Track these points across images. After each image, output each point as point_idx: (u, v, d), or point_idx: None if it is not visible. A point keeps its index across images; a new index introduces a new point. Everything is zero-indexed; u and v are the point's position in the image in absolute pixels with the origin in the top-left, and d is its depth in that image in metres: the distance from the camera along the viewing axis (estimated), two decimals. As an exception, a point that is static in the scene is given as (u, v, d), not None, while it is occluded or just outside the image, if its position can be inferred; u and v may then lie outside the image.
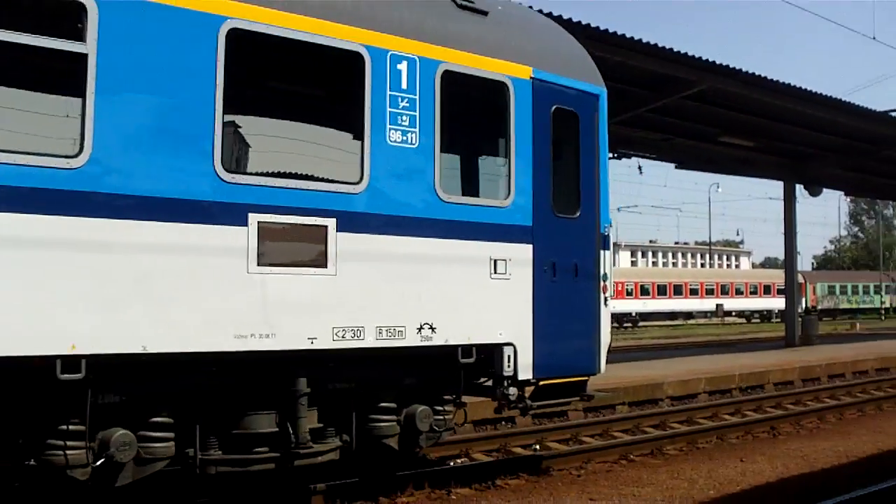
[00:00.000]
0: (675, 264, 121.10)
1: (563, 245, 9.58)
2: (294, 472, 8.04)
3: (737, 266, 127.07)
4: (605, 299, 10.06)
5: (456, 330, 8.61)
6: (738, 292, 77.15)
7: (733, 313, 78.04)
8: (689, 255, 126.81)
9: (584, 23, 16.91)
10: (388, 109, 8.17)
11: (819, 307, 74.50)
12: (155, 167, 6.82)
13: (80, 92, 6.54)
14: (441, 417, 9.09)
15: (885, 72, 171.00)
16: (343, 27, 7.91)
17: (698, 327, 66.90)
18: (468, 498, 9.75)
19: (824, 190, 35.43)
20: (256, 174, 7.56)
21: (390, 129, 8.18)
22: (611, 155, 32.64)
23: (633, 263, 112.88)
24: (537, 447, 12.79)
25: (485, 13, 9.24)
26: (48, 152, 6.43)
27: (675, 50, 19.13)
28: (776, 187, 34.31)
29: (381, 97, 8.13)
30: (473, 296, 8.76)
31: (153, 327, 6.78)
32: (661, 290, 71.55)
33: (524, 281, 9.19)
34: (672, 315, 72.89)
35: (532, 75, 9.33)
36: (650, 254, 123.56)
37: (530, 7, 11.11)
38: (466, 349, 8.75)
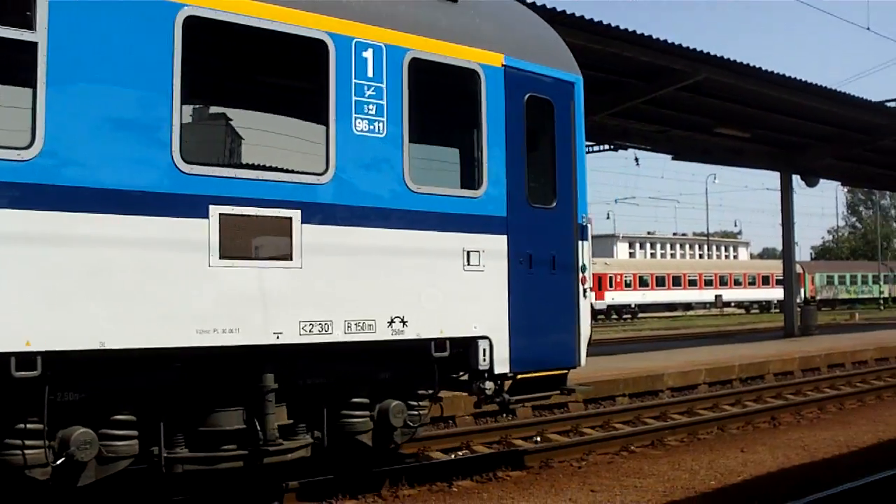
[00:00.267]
0: (673, 255, 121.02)
1: (540, 236, 9.42)
2: (265, 470, 7.89)
3: (735, 257, 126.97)
4: (585, 291, 9.91)
5: (428, 323, 8.46)
6: (737, 283, 77.16)
7: (732, 304, 78.11)
8: (687, 247, 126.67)
9: (577, 14, 16.95)
10: (354, 98, 8.00)
11: (818, 297, 74.44)
12: (110, 158, 6.66)
13: (30, 82, 6.38)
14: (416, 413, 8.95)
15: (880, 62, 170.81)
16: (306, 14, 7.74)
17: (697, 318, 66.86)
18: (470, 490, 9.70)
19: (821, 180, 35.46)
20: (217, 165, 7.39)
21: (356, 119, 8.01)
22: (607, 147, 32.73)
23: (632, 255, 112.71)
24: (538, 439, 12.80)
25: (454, 0, 9.08)
26: None
27: (670, 41, 19.14)
28: (773, 178, 34.23)
29: (346, 86, 7.96)
30: (446, 288, 8.61)
31: (111, 323, 6.63)
32: (660, 282, 71.52)
33: (499, 273, 9.03)
34: (671, 306, 72.92)
35: (504, 63, 9.16)
36: (648, 245, 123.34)
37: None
38: (440, 343, 8.60)
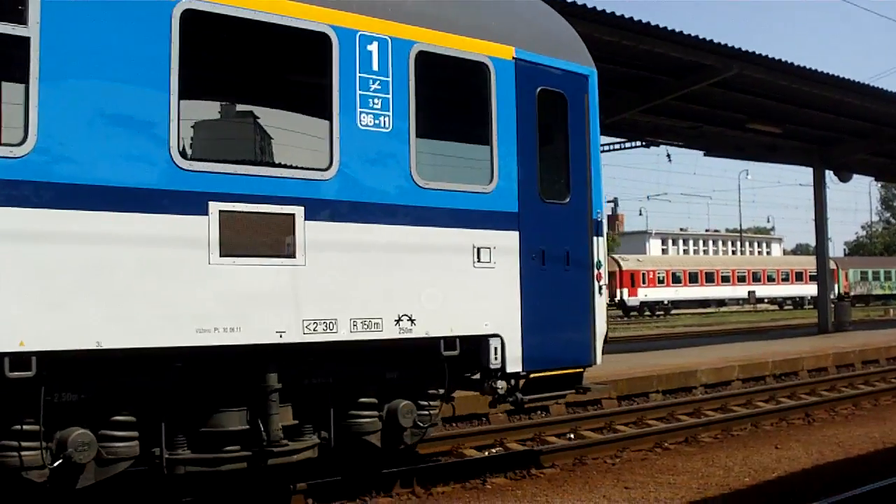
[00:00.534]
0: (706, 252, 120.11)
1: (553, 232, 9.22)
2: (270, 471, 7.77)
3: (768, 253, 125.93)
4: (600, 288, 9.70)
5: (437, 321, 8.28)
6: (770, 279, 76.30)
7: (765, 300, 77.36)
8: (719, 243, 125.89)
9: (609, 11, 16.88)
10: (359, 92, 7.84)
11: (851, 293, 73.43)
12: (106, 155, 6.54)
13: (23, 77, 6.27)
14: (426, 413, 8.77)
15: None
16: (308, 7, 7.58)
17: (731, 315, 66.25)
18: (503, 487, 9.64)
19: (855, 176, 34.98)
20: (216, 161, 7.23)
21: (361, 113, 7.84)
22: (639, 143, 32.44)
23: (664, 251, 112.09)
24: (572, 436, 12.75)
25: None
26: None
27: (701, 37, 19.02)
28: (806, 173, 33.73)
29: (350, 80, 7.79)
30: (455, 285, 8.42)
31: (108, 322, 6.51)
32: (693, 278, 70.85)
33: (510, 269, 8.84)
34: (704, 303, 72.20)
35: (515, 56, 8.95)
36: (681, 241, 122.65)
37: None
38: (449, 341, 8.42)
